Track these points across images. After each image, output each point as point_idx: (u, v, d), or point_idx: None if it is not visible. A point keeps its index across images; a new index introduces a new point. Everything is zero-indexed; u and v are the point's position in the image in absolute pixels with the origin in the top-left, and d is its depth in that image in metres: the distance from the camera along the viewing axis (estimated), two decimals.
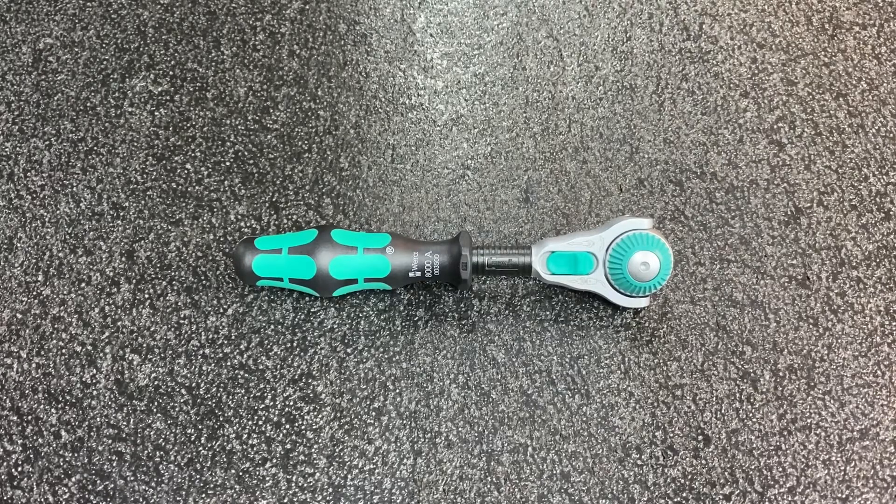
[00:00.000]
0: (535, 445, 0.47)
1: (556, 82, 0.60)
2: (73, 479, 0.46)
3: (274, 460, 0.46)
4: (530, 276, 0.50)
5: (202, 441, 0.47)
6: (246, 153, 0.57)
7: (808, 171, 0.57)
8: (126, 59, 0.61)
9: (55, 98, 0.59)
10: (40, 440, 0.47)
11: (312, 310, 0.51)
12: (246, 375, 0.49)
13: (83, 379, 0.49)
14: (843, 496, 0.46)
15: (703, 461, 0.47)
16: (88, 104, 0.58)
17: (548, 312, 0.51)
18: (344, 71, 0.61)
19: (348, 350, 0.50)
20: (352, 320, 0.50)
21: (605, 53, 0.62)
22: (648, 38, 0.62)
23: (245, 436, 0.47)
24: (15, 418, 0.47)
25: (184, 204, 0.55)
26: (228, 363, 0.49)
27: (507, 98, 0.60)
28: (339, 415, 0.48)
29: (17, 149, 0.57)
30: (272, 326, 0.50)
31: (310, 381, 0.49)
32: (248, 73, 0.60)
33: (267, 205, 0.55)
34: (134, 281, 0.52)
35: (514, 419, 0.48)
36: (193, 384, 0.49)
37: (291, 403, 0.48)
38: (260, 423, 0.47)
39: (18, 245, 0.53)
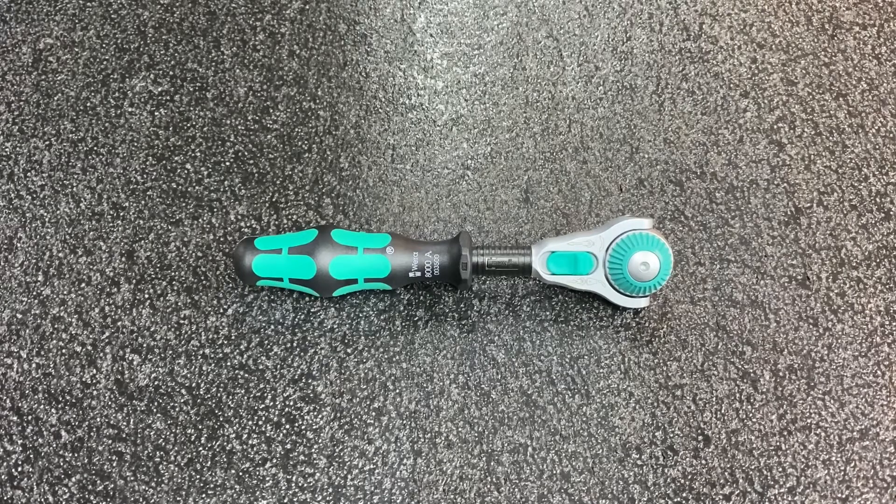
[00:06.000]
0: (535, 445, 0.47)
1: (556, 82, 0.60)
2: (73, 479, 0.46)
3: (274, 460, 0.46)
4: (530, 276, 0.50)
5: (202, 441, 0.47)
6: (246, 153, 0.57)
7: (808, 171, 0.57)
8: (126, 59, 0.61)
9: (55, 98, 0.59)
10: (40, 440, 0.47)
11: (312, 310, 0.51)
12: (246, 375, 0.49)
13: (83, 379, 0.49)
14: (843, 496, 0.46)
15: (703, 461, 0.47)
16: (88, 104, 0.58)
17: (548, 312, 0.51)
18: (344, 71, 0.61)
19: (348, 350, 0.50)
20: (352, 320, 0.50)
21: (605, 53, 0.62)
22: (648, 38, 0.62)
23: (245, 436, 0.47)
24: (15, 418, 0.47)
25: (184, 204, 0.55)
26: (228, 363, 0.49)
27: (507, 98, 0.60)
28: (339, 415, 0.48)
29: (17, 149, 0.57)
30: (272, 326, 0.50)
31: (310, 381, 0.49)
32: (248, 73, 0.60)
33: (267, 205, 0.55)
34: (134, 281, 0.52)
35: (514, 419, 0.48)
36: (193, 384, 0.49)
37: (291, 403, 0.48)
38: (260, 423, 0.47)
39: (18, 245, 0.53)
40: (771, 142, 0.58)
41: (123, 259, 0.53)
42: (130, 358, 0.49)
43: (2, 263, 0.52)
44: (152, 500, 0.45)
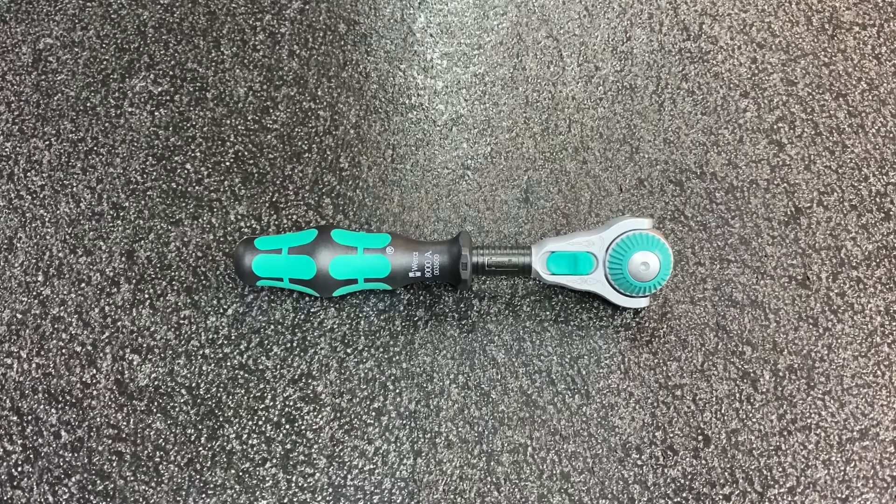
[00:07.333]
0: (535, 445, 0.47)
1: (556, 82, 0.60)
2: (73, 479, 0.46)
3: (274, 460, 0.46)
4: (530, 276, 0.50)
5: (202, 441, 0.47)
6: (246, 153, 0.57)
7: (808, 171, 0.57)
8: (126, 59, 0.61)
9: (55, 98, 0.59)
10: (40, 440, 0.47)
11: (312, 310, 0.51)
12: (246, 375, 0.49)
13: (83, 379, 0.49)
14: (843, 496, 0.46)
15: (703, 461, 0.47)
16: (88, 104, 0.58)
17: (548, 312, 0.51)
18: (344, 71, 0.61)
19: (348, 350, 0.50)
20: (352, 320, 0.51)
21: (605, 53, 0.62)
22: (648, 38, 0.62)
23: (245, 436, 0.47)
24: (15, 418, 0.48)
25: (184, 204, 0.55)
26: (228, 363, 0.49)
27: (507, 98, 0.60)
28: (339, 415, 0.48)
29: (17, 149, 0.57)
30: (272, 326, 0.50)
31: (310, 381, 0.49)
32: (248, 73, 0.60)
33: (267, 205, 0.55)
34: (134, 281, 0.52)
35: (514, 419, 0.48)
36: (193, 384, 0.49)
37: (291, 403, 0.48)
38: (260, 423, 0.47)
39: (18, 245, 0.53)
40: (771, 142, 0.58)
41: (123, 259, 0.53)
42: (130, 358, 0.49)
43: (2, 263, 0.52)
44: (152, 500, 0.45)
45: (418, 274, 0.49)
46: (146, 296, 0.51)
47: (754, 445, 0.47)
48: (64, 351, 0.50)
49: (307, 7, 0.63)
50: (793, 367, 0.49)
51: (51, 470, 0.46)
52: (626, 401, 0.48)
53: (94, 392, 0.48)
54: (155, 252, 0.53)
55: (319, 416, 0.48)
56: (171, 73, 0.60)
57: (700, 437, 0.47)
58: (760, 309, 0.51)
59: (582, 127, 0.58)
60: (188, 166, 0.56)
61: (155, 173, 0.56)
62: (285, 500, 0.45)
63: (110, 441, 0.47)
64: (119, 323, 0.50)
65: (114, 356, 0.49)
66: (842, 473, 0.46)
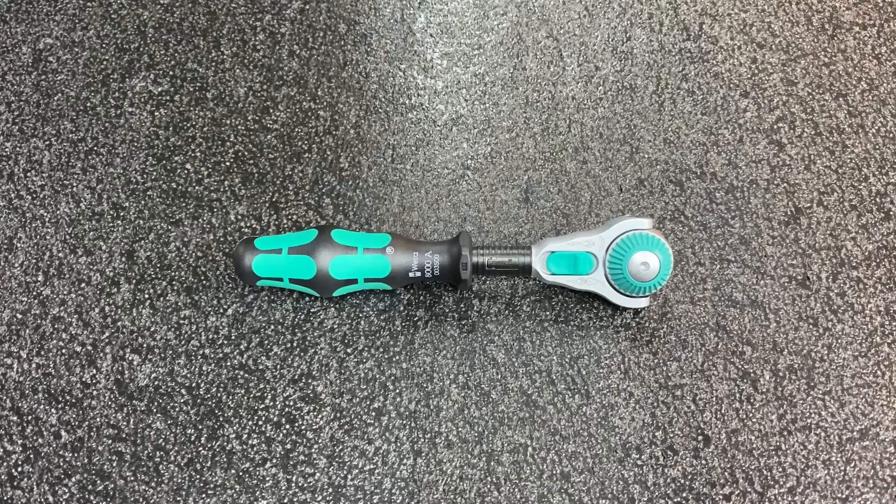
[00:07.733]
0: (535, 445, 0.47)
1: (556, 82, 0.60)
2: (73, 479, 0.46)
3: (274, 460, 0.46)
4: (530, 276, 0.50)
5: (202, 441, 0.47)
6: (246, 153, 0.57)
7: (808, 171, 0.57)
8: (126, 59, 0.61)
9: (55, 98, 0.59)
10: (40, 440, 0.47)
11: (312, 310, 0.51)
12: (246, 375, 0.49)
13: (83, 379, 0.49)
14: (843, 496, 0.46)
15: (703, 461, 0.47)
16: (88, 104, 0.58)
17: (548, 312, 0.51)
18: (344, 71, 0.61)
19: (348, 350, 0.50)
20: (352, 320, 0.51)
21: (605, 53, 0.62)
22: (648, 38, 0.62)
23: (245, 436, 0.47)
24: (15, 418, 0.48)
25: (184, 204, 0.55)
26: (228, 363, 0.49)
27: (507, 98, 0.60)
28: (339, 415, 0.48)
29: (17, 149, 0.57)
30: (272, 326, 0.50)
31: (310, 381, 0.49)
32: (248, 73, 0.60)
33: (267, 205, 0.55)
34: (134, 281, 0.52)
35: (514, 419, 0.48)
36: (193, 384, 0.49)
37: (291, 403, 0.48)
38: (260, 423, 0.47)
39: (18, 245, 0.53)
40: (771, 142, 0.58)
41: (123, 259, 0.53)
42: (130, 358, 0.49)
43: (2, 263, 0.52)
44: (152, 500, 0.45)
45: (418, 274, 0.49)
46: (146, 296, 0.51)
47: (754, 445, 0.47)
48: (64, 351, 0.50)
49: (307, 7, 0.63)
50: (793, 367, 0.49)
51: (51, 470, 0.46)
52: (626, 401, 0.48)
53: (94, 392, 0.48)
54: (155, 252, 0.53)
55: (319, 416, 0.48)
56: (171, 73, 0.60)
57: (700, 437, 0.47)
58: (760, 309, 0.51)
59: (582, 127, 0.58)
60: (188, 166, 0.56)
61: (155, 173, 0.56)
62: (285, 500, 0.45)
63: (110, 441, 0.47)
64: (119, 323, 0.50)
65: (114, 356, 0.49)
66: (842, 473, 0.46)
